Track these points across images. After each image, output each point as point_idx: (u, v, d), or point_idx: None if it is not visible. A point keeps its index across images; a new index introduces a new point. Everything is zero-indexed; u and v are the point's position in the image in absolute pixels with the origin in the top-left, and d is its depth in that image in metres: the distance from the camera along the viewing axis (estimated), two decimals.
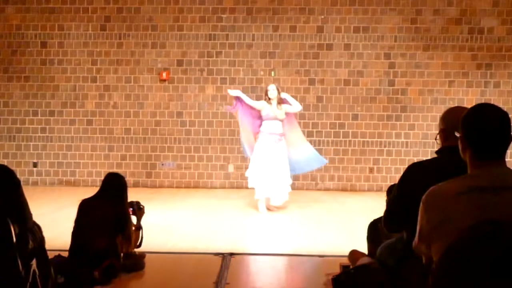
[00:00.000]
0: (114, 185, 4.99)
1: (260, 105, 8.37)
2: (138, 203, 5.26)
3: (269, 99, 8.32)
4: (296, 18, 10.67)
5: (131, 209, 5.13)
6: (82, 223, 4.80)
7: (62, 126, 10.83)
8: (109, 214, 4.78)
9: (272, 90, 8.30)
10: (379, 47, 10.63)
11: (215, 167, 10.77)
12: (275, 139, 8.26)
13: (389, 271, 3.24)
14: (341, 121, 10.69)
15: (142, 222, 5.26)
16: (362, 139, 10.67)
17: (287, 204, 8.52)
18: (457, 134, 2.40)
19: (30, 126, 10.85)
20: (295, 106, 8.48)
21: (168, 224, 7.22)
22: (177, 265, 5.32)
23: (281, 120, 8.34)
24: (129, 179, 6.00)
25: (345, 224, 7.37)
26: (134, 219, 5.19)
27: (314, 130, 10.60)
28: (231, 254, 5.58)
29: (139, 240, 5.17)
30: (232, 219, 7.74)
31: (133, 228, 5.08)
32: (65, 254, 4.74)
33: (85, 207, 4.90)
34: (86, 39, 10.78)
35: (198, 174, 10.79)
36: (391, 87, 10.66)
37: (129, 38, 10.75)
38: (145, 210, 5.31)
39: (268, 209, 8.31)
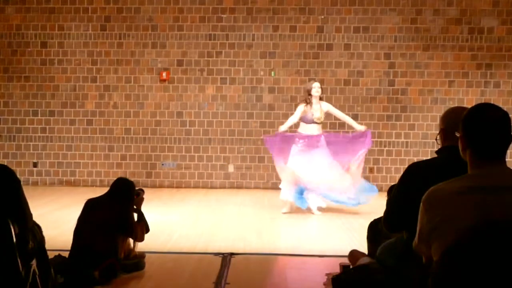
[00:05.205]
0: (122, 189, 5.00)
1: (300, 111, 8.01)
2: (138, 189, 5.22)
3: (310, 97, 8.00)
4: (296, 18, 10.66)
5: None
6: (85, 222, 4.82)
7: (62, 126, 10.83)
8: (112, 216, 4.78)
9: (318, 88, 8.03)
10: (379, 47, 10.63)
11: (215, 167, 10.77)
12: (313, 142, 7.95)
13: (389, 271, 3.24)
14: (341, 121, 10.66)
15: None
16: None
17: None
18: (457, 134, 2.40)
19: (30, 126, 10.84)
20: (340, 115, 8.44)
21: (168, 224, 7.22)
22: (177, 265, 5.32)
23: (319, 123, 8.04)
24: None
25: (345, 224, 7.38)
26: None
27: None
28: (231, 254, 5.59)
29: (145, 230, 5.14)
30: (232, 219, 7.74)
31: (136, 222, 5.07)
32: (65, 254, 4.74)
33: (90, 206, 4.91)
34: (86, 39, 10.78)
35: (198, 174, 10.78)
36: (391, 87, 10.65)
37: (129, 38, 10.75)
38: (145, 210, 5.29)
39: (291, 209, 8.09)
